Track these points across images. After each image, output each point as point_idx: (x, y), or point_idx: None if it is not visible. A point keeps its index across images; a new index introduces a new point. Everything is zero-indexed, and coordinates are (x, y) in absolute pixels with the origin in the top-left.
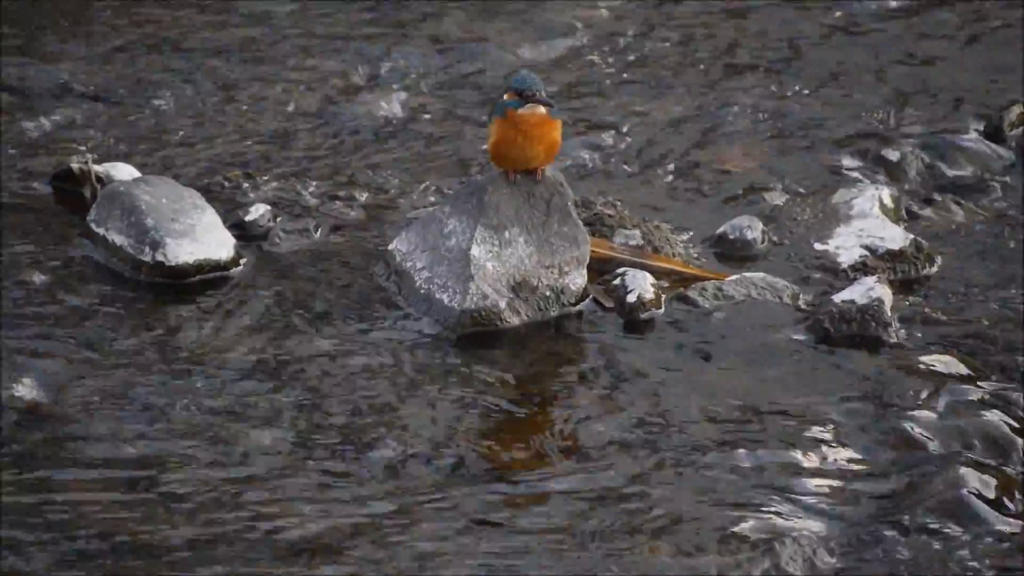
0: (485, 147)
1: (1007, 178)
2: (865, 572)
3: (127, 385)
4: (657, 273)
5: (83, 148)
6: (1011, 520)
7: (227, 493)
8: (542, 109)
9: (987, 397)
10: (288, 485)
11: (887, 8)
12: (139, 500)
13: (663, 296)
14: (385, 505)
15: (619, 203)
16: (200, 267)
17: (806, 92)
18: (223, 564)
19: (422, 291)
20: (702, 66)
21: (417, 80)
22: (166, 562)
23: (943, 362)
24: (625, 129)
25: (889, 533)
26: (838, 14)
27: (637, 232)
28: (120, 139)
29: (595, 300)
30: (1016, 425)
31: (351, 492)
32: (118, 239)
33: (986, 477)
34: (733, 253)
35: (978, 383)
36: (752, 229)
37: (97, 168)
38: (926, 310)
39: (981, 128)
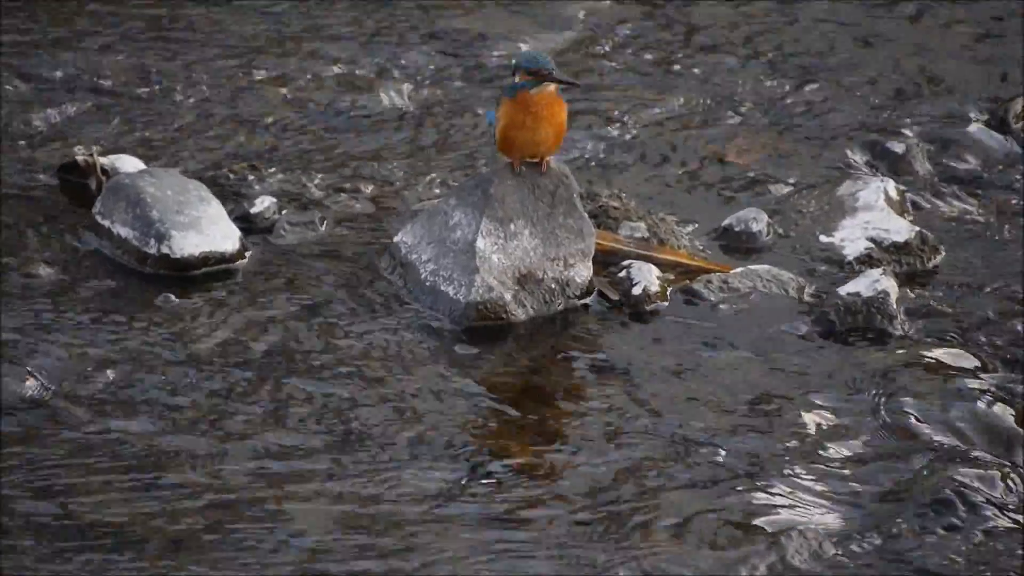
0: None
1: (1012, 170)
2: (870, 565)
3: (131, 378)
4: (662, 265)
5: (89, 140)
6: (1015, 515)
7: (232, 487)
8: (552, 87)
9: (992, 389)
10: (292, 479)
11: (892, 2)
12: (143, 494)
13: (668, 288)
14: (390, 498)
15: (624, 195)
16: (205, 259)
17: (812, 85)
18: (227, 559)
19: (427, 283)
20: (707, 57)
21: (422, 73)
22: (170, 557)
23: (948, 354)
24: (630, 121)
25: (894, 526)
26: (843, 7)
27: (642, 224)
28: (125, 131)
29: (600, 292)
30: (1021, 418)
31: (355, 485)
32: (123, 231)
33: (991, 471)
34: (738, 245)
35: (983, 375)
36: (757, 221)
37: (102, 160)
38: (931, 302)
39: (986, 120)
